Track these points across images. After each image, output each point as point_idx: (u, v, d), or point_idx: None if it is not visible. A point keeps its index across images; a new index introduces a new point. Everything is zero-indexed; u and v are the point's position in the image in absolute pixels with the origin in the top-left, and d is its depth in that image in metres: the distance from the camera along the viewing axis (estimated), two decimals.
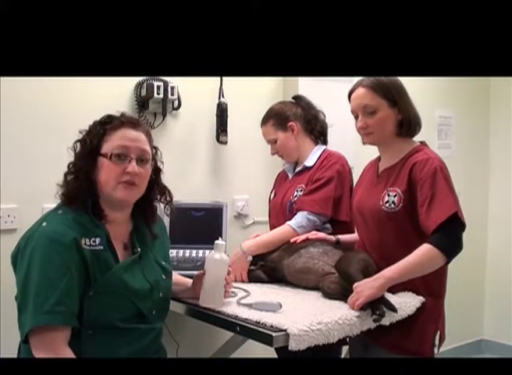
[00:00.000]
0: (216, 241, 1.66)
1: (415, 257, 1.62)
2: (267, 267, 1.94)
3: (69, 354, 1.32)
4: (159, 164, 1.58)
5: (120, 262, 1.45)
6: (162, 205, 2.39)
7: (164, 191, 1.59)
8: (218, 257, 1.64)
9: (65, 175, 1.46)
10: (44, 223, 1.37)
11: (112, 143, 1.44)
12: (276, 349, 1.99)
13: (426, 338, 1.72)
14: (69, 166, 1.47)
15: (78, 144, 1.47)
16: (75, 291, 1.34)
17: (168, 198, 1.60)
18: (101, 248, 1.41)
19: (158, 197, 1.58)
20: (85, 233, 1.39)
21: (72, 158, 1.49)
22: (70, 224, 1.38)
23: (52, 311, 1.30)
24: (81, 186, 1.42)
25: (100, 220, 1.44)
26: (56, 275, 1.32)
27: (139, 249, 1.51)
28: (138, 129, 1.49)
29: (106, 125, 1.46)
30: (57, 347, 1.31)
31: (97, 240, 1.40)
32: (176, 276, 1.76)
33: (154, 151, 1.56)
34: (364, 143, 1.90)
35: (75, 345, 1.34)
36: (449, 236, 1.63)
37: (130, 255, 1.49)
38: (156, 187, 1.56)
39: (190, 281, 1.73)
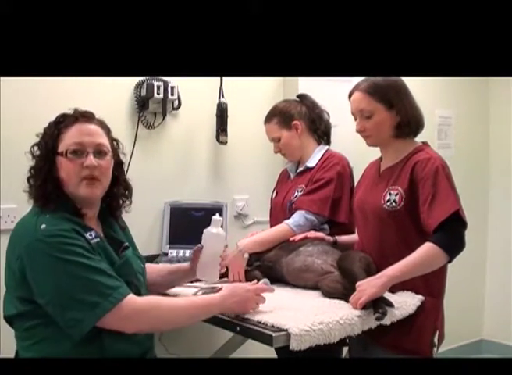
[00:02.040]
0: (213, 217, 1.71)
1: (417, 256, 1.62)
2: (264, 267, 1.94)
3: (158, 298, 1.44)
4: (121, 157, 1.55)
5: (127, 252, 1.48)
6: (163, 205, 2.40)
7: (126, 185, 1.56)
8: (215, 231, 1.69)
9: (28, 179, 1.44)
10: (43, 225, 1.34)
11: (66, 141, 1.42)
12: (276, 349, 2.00)
13: (424, 338, 1.72)
14: (30, 171, 1.45)
15: (36, 148, 1.45)
16: (110, 268, 1.38)
17: (127, 193, 1.57)
18: (98, 240, 1.41)
19: (122, 192, 1.56)
20: (81, 229, 1.38)
21: (31, 164, 1.46)
22: (66, 221, 1.37)
23: (118, 286, 1.34)
24: (45, 186, 1.40)
25: (80, 219, 1.43)
26: (91, 261, 1.33)
27: (126, 243, 1.53)
28: (92, 122, 1.46)
29: (60, 124, 1.44)
30: (143, 303, 1.37)
31: (93, 233, 1.41)
32: (168, 265, 1.81)
33: (114, 144, 1.53)
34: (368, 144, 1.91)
35: (98, 340, 1.35)
36: (451, 234, 1.63)
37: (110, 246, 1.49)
38: (120, 181, 1.54)
39: (183, 265, 1.76)
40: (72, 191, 1.42)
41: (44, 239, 1.32)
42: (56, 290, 1.30)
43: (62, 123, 1.44)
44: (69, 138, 1.42)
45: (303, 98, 2.22)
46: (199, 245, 1.71)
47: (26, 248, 1.33)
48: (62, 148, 1.41)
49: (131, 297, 1.35)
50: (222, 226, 1.73)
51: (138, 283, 1.49)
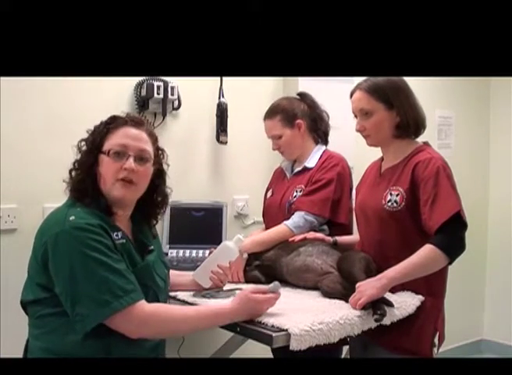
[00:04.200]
0: (238, 235, 1.80)
1: (418, 257, 1.62)
2: (264, 266, 1.94)
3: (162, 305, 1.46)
4: (164, 166, 1.59)
5: (149, 256, 1.50)
6: None
7: (162, 194, 1.59)
8: (230, 246, 1.77)
9: (70, 171, 1.49)
10: (72, 217, 1.37)
11: (112, 141, 1.46)
12: (273, 350, 1.99)
13: (424, 338, 1.72)
14: (74, 164, 1.49)
15: (83, 143, 1.50)
16: (129, 270, 1.39)
17: (164, 202, 1.60)
18: (124, 241, 1.44)
19: (158, 199, 1.59)
20: (108, 227, 1.41)
21: (76, 157, 1.50)
22: (95, 217, 1.40)
23: (132, 290, 1.35)
24: (84, 180, 1.45)
25: (110, 217, 1.45)
26: (111, 260, 1.35)
27: (152, 246, 1.55)
28: (140, 128, 1.50)
29: (110, 124, 1.49)
30: (151, 311, 1.37)
31: (119, 234, 1.43)
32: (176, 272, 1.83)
33: (159, 152, 1.57)
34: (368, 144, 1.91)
35: (104, 340, 1.35)
36: (452, 236, 1.63)
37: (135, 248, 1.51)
38: (159, 190, 1.57)
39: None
40: (106, 190, 1.46)
41: (69, 231, 1.35)
42: (71, 282, 1.33)
43: (112, 123, 1.49)
44: (115, 139, 1.46)
45: (303, 97, 2.20)
46: (212, 249, 1.81)
47: (51, 236, 1.36)
48: (106, 147, 1.46)
49: (141, 303, 1.36)
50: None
51: (157, 288, 1.50)
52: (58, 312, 1.36)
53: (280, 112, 2.13)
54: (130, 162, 1.44)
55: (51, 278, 1.36)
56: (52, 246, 1.35)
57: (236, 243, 1.79)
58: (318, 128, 2.17)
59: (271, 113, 2.16)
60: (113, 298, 1.32)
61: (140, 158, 1.47)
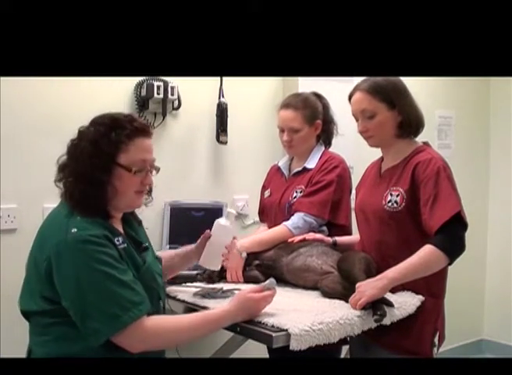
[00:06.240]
0: (228, 209, 1.83)
1: (418, 258, 1.62)
2: (264, 266, 1.94)
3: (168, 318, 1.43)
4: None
5: (147, 258, 1.50)
6: (163, 205, 2.41)
7: None
8: (223, 223, 1.77)
9: (70, 181, 1.40)
10: (74, 229, 1.33)
11: (131, 155, 1.40)
12: (269, 350, 1.99)
13: (425, 338, 1.72)
14: (74, 173, 1.40)
15: (88, 147, 1.38)
16: (135, 280, 1.38)
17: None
18: (125, 245, 1.42)
19: None
20: (110, 234, 1.38)
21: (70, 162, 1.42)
22: (97, 226, 1.37)
23: (139, 302, 1.34)
24: (96, 196, 1.38)
25: (108, 221, 1.43)
26: (118, 272, 1.33)
27: (146, 244, 1.54)
28: (150, 136, 1.47)
29: (118, 130, 1.39)
30: (152, 326, 1.36)
31: (120, 239, 1.41)
32: (176, 250, 1.82)
33: None
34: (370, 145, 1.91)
35: (110, 342, 1.34)
36: (452, 237, 1.63)
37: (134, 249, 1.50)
38: None
39: (188, 248, 1.79)
40: (120, 201, 1.42)
41: (74, 244, 1.31)
42: (78, 297, 1.31)
43: (121, 129, 1.39)
44: (134, 153, 1.41)
45: (319, 97, 2.16)
46: (208, 231, 1.77)
47: (54, 251, 1.32)
48: (125, 161, 1.39)
49: (143, 319, 1.34)
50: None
51: (157, 286, 1.50)
52: (65, 322, 1.34)
53: (307, 108, 2.08)
54: (151, 177, 1.46)
55: (56, 292, 1.33)
56: (56, 261, 1.32)
57: (228, 219, 1.81)
58: (327, 130, 2.16)
59: (296, 105, 2.08)
60: (122, 311, 1.31)
61: (153, 168, 1.48)
